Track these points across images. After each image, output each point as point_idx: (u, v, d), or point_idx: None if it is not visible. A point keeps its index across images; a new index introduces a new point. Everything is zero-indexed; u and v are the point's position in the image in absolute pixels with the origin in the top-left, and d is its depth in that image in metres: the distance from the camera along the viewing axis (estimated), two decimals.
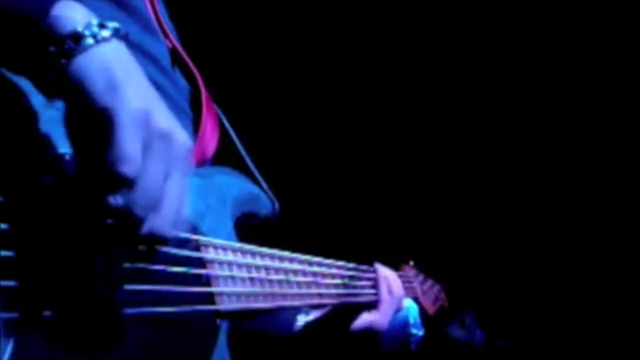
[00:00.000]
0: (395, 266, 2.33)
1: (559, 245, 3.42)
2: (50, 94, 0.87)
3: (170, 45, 1.44)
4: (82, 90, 0.81)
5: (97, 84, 0.81)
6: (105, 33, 0.84)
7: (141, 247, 0.88)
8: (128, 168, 0.80)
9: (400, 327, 2.04)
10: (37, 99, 0.97)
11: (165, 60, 1.41)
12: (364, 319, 1.79)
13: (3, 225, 0.81)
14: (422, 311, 2.38)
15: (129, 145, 0.80)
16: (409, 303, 2.12)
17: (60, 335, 0.82)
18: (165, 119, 0.85)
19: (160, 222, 0.84)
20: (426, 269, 2.53)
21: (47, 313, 0.81)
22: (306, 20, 3.10)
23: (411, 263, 2.46)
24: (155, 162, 0.83)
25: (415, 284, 2.36)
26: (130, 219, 0.83)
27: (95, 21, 0.84)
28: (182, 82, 1.43)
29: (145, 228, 0.84)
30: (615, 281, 3.28)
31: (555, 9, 3.21)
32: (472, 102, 3.47)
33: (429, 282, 2.52)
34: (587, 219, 3.41)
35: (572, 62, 3.34)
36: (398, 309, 1.98)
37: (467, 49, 3.38)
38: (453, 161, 3.49)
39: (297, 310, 1.74)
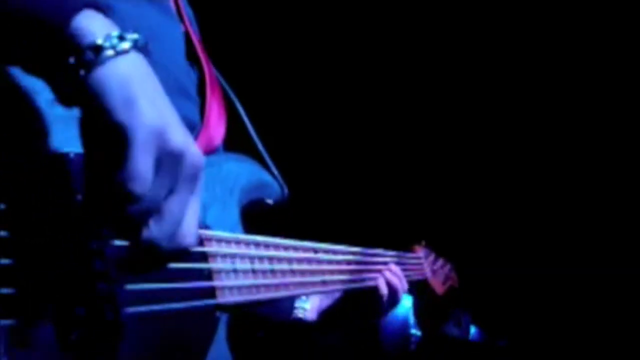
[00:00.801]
0: (406, 246, 2.35)
1: (559, 246, 3.40)
2: (68, 103, 0.86)
3: (183, 29, 1.44)
4: (99, 104, 0.81)
5: (114, 98, 0.81)
6: (125, 45, 0.83)
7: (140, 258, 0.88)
8: (139, 187, 0.80)
9: (400, 327, 2.07)
10: (42, 97, 0.98)
11: (181, 46, 1.41)
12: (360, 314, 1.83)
13: (2, 233, 0.83)
14: (431, 292, 2.41)
15: (142, 164, 0.80)
16: (409, 303, 2.14)
17: (59, 344, 0.85)
18: (179, 136, 0.84)
19: (157, 234, 0.84)
20: (437, 249, 2.54)
21: (44, 321, 0.84)
22: (320, 9, 3.06)
23: (422, 243, 2.47)
24: (159, 179, 0.83)
25: (425, 265, 2.38)
26: (129, 228, 0.84)
27: (115, 33, 0.83)
28: (194, 67, 1.43)
29: (143, 236, 0.84)
30: (615, 282, 3.27)
31: (555, 9, 3.12)
32: (482, 98, 3.42)
33: (440, 262, 2.53)
34: (588, 220, 3.37)
35: (572, 62, 3.26)
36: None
37: (476, 46, 3.31)
38: (456, 164, 3.46)
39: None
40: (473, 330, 2.73)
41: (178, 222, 0.86)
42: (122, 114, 0.80)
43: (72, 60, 0.81)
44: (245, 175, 1.44)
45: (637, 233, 3.28)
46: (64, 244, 0.91)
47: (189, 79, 1.38)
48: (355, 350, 1.92)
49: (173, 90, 1.26)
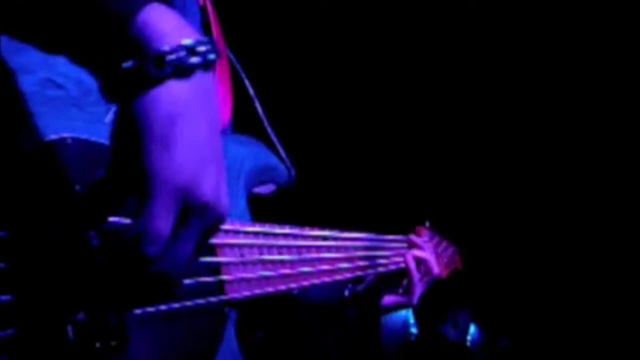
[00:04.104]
0: (411, 228, 2.28)
1: (560, 245, 3.37)
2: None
3: (202, 2, 1.36)
4: (135, 131, 0.71)
5: (152, 132, 0.70)
6: (193, 60, 0.71)
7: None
8: (152, 249, 0.73)
9: (400, 327, 2.03)
10: (35, 77, 0.89)
11: (196, 23, 1.32)
12: (391, 300, 1.82)
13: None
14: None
15: (160, 223, 0.72)
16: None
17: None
18: (210, 188, 0.74)
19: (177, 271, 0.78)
20: (443, 231, 2.47)
21: (44, 329, 0.77)
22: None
23: (427, 224, 2.40)
24: (188, 237, 0.75)
25: (430, 247, 2.31)
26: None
27: (187, 41, 0.71)
28: None
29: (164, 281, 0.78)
30: (616, 281, 3.25)
31: (555, 9, 3.06)
32: (490, 86, 3.35)
33: (444, 244, 2.46)
34: (589, 219, 3.34)
35: (572, 62, 3.20)
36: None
37: (489, 37, 3.25)
38: (462, 153, 3.41)
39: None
40: (472, 329, 2.70)
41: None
42: (154, 155, 0.70)
43: (129, 65, 0.69)
44: (251, 159, 1.36)
45: (637, 233, 3.25)
46: (63, 241, 0.82)
47: None
48: (355, 350, 1.88)
49: None
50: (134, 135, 0.71)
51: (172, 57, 0.70)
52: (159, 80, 0.70)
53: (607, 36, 3.12)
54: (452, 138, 3.41)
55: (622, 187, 3.33)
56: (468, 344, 2.65)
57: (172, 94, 0.70)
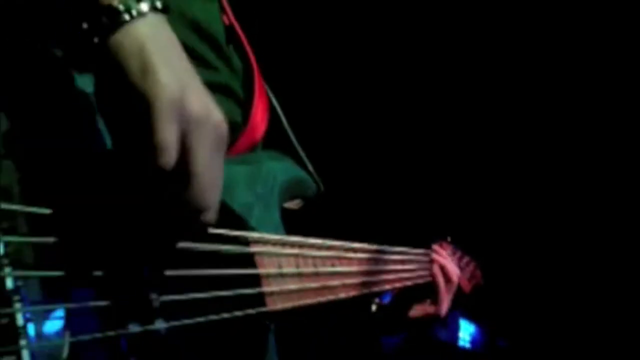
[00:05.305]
0: (432, 244, 2.28)
1: (560, 245, 3.35)
2: (81, 69, 0.84)
3: (227, 22, 1.36)
4: (114, 72, 0.77)
5: (130, 66, 0.76)
6: (143, 7, 0.79)
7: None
8: (167, 159, 0.77)
9: None
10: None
11: (222, 38, 1.33)
12: (420, 310, 1.82)
13: (50, 239, 0.76)
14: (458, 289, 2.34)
15: (167, 135, 0.77)
16: None
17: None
18: (198, 102, 0.80)
19: (214, 204, 0.83)
20: (464, 246, 2.47)
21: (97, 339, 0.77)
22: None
23: (448, 239, 2.40)
24: (202, 149, 0.80)
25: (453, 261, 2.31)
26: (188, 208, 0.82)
27: None
28: (237, 61, 1.35)
29: (206, 216, 0.83)
30: (616, 281, 3.23)
31: (555, 9, 3.08)
32: (508, 95, 3.36)
33: (466, 260, 2.47)
34: (589, 218, 3.32)
35: (573, 62, 3.21)
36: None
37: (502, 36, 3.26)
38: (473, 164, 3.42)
39: None
40: (472, 329, 2.68)
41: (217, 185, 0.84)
42: (138, 83, 0.76)
43: (85, 25, 0.77)
44: (284, 173, 1.37)
45: (638, 233, 3.24)
46: (114, 249, 0.83)
47: (232, 72, 1.30)
48: (356, 350, 1.87)
49: (214, 87, 1.19)
50: (116, 79, 0.77)
51: (122, 5, 0.77)
52: (117, 27, 0.77)
53: (608, 36, 3.13)
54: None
55: (621, 188, 3.31)
56: (465, 343, 2.64)
57: (135, 32, 0.77)
